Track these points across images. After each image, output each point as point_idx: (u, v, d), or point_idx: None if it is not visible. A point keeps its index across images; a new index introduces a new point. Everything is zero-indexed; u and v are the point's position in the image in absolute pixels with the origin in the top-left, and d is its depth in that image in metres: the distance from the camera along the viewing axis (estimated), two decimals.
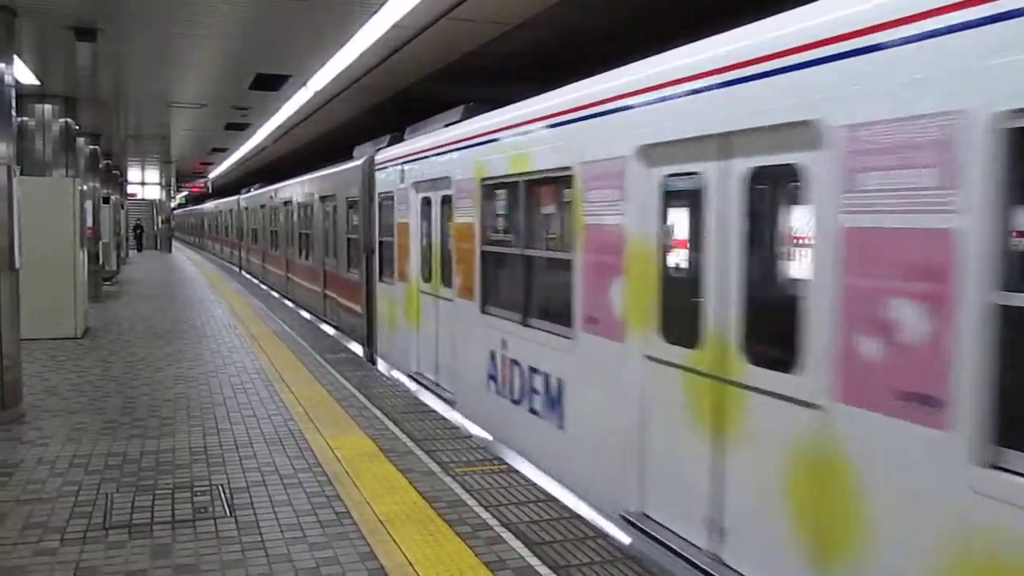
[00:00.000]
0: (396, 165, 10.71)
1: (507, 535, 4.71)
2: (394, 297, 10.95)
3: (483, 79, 10.53)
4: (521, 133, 6.92)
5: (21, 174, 7.91)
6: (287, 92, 12.86)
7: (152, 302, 17.39)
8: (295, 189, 19.26)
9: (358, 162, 12.80)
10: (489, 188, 7.73)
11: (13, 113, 7.79)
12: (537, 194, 7.06)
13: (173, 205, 52.44)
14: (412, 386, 9.70)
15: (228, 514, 5.00)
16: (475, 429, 7.73)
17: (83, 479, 5.64)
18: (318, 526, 4.81)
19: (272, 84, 12.20)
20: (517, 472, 5.94)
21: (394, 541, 4.59)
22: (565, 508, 5.24)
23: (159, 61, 11.04)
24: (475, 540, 4.63)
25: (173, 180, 38.45)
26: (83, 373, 9.44)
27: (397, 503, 5.19)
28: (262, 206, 24.76)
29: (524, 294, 7.05)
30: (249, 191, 28.60)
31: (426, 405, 8.14)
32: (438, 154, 9.11)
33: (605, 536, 4.81)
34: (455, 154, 8.51)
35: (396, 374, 10.55)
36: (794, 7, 4.08)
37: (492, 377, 7.59)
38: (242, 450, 6.36)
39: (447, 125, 9.09)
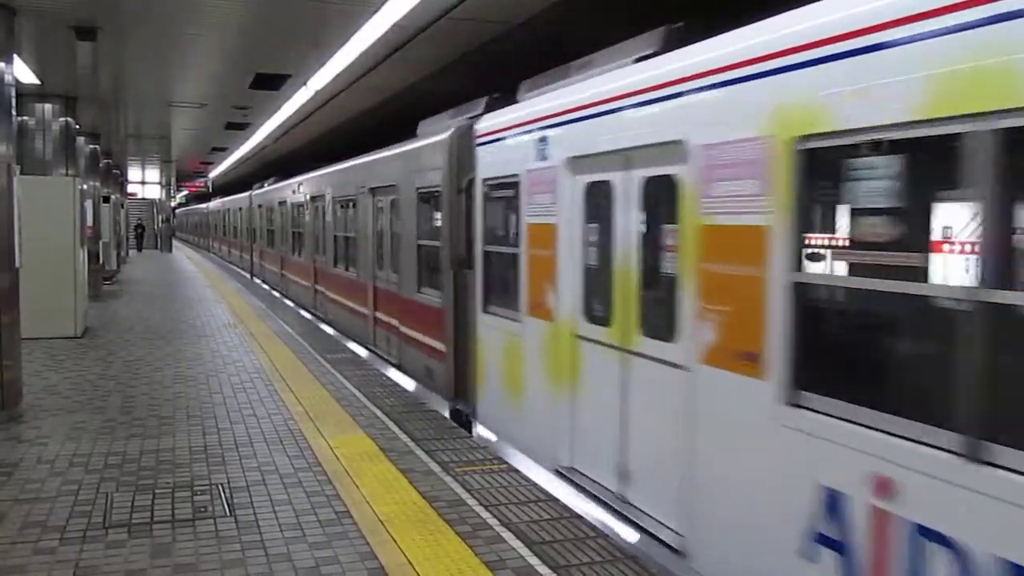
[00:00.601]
0: (525, 134, 6.94)
1: (507, 535, 4.71)
2: (516, 340, 7.09)
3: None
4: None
5: (21, 173, 7.92)
6: (287, 91, 12.87)
7: (152, 301, 17.38)
8: (328, 181, 15.53)
9: (439, 138, 9.13)
10: (824, 157, 3.94)
11: (13, 112, 7.79)
12: None
13: (173, 204, 52.54)
14: (556, 487, 6.02)
15: (228, 513, 5.00)
16: None
17: (82, 478, 5.64)
18: (318, 525, 4.81)
19: (272, 83, 12.20)
20: (517, 472, 5.93)
21: (394, 540, 4.59)
22: (565, 508, 5.23)
23: (159, 61, 11.05)
24: (475, 540, 4.62)
25: (173, 179, 38.48)
26: (83, 372, 9.44)
27: (397, 502, 5.19)
28: (281, 203, 20.90)
29: (979, 387, 3.14)
30: (263, 186, 25.09)
31: (426, 405, 8.12)
32: (641, 104, 5.24)
33: (605, 536, 4.81)
34: (699, 98, 4.66)
35: (518, 457, 6.86)
36: None
37: (825, 541, 3.80)
38: (242, 449, 6.36)
39: (638, 60, 5.59)
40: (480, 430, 7.95)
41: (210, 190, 46.64)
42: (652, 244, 5.49)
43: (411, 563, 4.29)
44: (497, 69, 9.73)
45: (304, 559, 4.34)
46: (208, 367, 9.77)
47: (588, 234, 6.16)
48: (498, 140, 7.60)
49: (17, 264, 7.59)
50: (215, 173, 36.67)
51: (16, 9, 7.72)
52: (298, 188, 18.45)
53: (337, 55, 9.99)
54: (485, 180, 7.86)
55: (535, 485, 5.64)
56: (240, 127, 18.10)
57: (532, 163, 6.78)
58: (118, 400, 8.02)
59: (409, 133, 10.79)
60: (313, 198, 16.78)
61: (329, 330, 14.07)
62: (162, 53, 10.50)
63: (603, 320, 5.87)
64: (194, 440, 6.60)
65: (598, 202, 5.96)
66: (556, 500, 5.36)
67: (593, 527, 4.92)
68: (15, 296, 7.60)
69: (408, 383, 9.91)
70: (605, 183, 5.83)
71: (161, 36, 9.46)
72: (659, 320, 5.23)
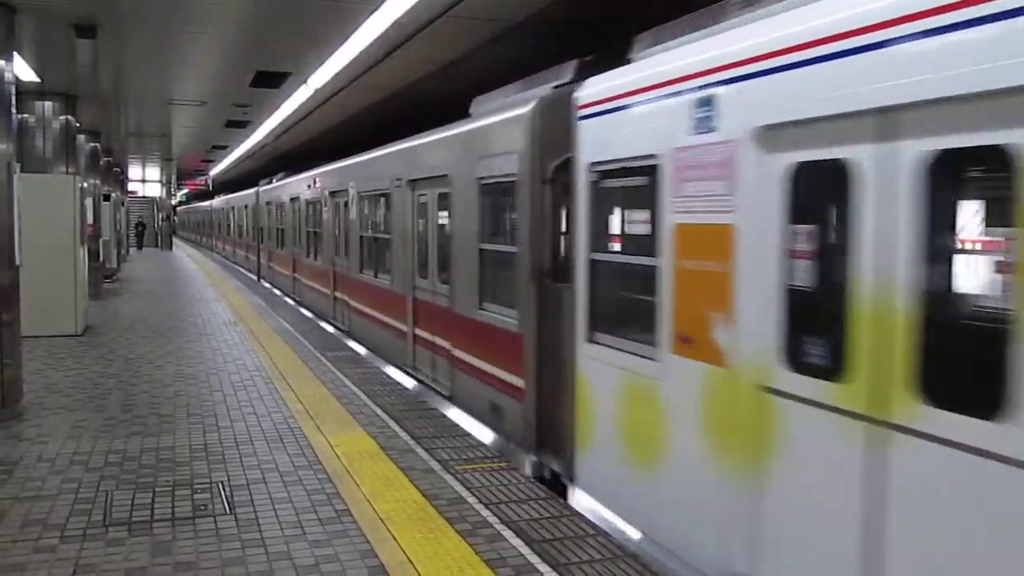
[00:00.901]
0: (668, 98, 4.96)
1: (507, 533, 4.71)
2: (650, 384, 5.14)
3: None
4: None
5: (21, 171, 7.92)
6: (288, 89, 12.87)
7: (152, 299, 17.38)
8: (351, 174, 13.53)
9: (516, 112, 7.18)
10: None
11: (13, 110, 7.79)
12: None
13: (174, 202, 52.60)
14: None
15: (228, 511, 5.00)
16: None
17: (83, 476, 5.64)
18: (318, 523, 4.81)
19: (272, 81, 12.21)
20: (517, 470, 5.93)
21: (394, 539, 4.59)
22: (566, 506, 5.23)
23: (159, 59, 11.05)
24: (475, 538, 4.62)
25: (174, 177, 38.50)
26: (83, 370, 9.44)
27: (397, 501, 5.19)
28: (293, 199, 18.93)
29: None
30: (271, 181, 23.05)
31: (427, 403, 8.13)
32: (932, 33, 3.20)
33: (606, 534, 4.80)
34: None
35: (641, 545, 5.16)
36: None
37: None
38: (242, 447, 6.36)
39: None
40: (580, 496, 6.01)
41: (211, 188, 46.71)
42: (942, 258, 3.51)
43: (411, 561, 4.29)
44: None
45: (304, 557, 4.34)
46: (208, 365, 9.78)
47: (792, 239, 4.10)
48: (616, 110, 5.59)
49: (17, 262, 7.60)
50: (216, 171, 36.68)
51: (16, 7, 7.72)
52: (314, 183, 16.54)
53: (337, 53, 9.98)
54: (592, 165, 5.89)
55: (535, 483, 5.64)
56: (240, 125, 18.10)
57: (683, 137, 4.81)
58: (118, 398, 8.02)
59: (435, 123, 9.58)
60: (332, 193, 14.91)
61: (329, 328, 14.07)
62: (162, 51, 10.49)
63: (826, 370, 3.84)
64: (194, 438, 6.60)
65: (816, 192, 4.05)
66: (556, 498, 5.36)
67: (593, 525, 4.92)
68: (15, 294, 7.60)
69: (408, 382, 9.89)
70: (835, 163, 3.79)
71: (161, 34, 9.46)
72: (962, 381, 3.37)
